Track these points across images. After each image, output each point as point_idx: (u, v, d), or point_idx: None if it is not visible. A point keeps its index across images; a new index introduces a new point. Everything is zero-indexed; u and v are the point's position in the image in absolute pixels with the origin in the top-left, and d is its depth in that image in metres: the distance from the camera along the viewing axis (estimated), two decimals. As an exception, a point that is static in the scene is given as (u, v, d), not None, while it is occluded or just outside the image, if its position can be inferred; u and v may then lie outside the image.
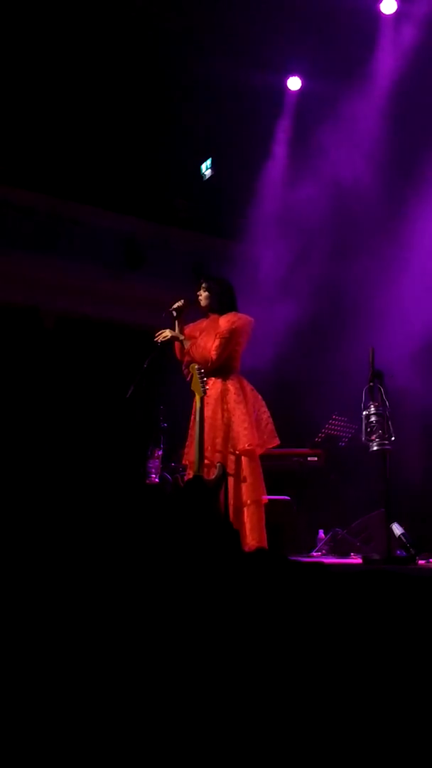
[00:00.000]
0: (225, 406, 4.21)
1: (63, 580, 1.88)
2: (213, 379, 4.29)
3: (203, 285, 4.48)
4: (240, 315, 4.37)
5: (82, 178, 8.50)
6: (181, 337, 4.41)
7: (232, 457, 4.13)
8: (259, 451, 4.27)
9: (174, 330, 4.46)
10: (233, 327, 4.28)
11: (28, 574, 1.92)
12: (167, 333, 4.42)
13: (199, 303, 4.48)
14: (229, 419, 4.18)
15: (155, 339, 4.43)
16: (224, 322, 4.32)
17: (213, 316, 4.42)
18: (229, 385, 4.27)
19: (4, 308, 8.17)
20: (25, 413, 7.79)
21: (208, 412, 4.17)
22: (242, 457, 4.15)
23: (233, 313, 4.38)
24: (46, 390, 8.11)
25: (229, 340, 4.26)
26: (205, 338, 4.36)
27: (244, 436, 4.14)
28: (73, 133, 7.95)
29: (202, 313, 4.53)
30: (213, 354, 4.25)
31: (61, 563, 2.00)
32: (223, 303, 4.43)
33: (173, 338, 4.42)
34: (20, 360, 8.02)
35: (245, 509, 4.09)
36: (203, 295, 4.45)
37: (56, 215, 8.59)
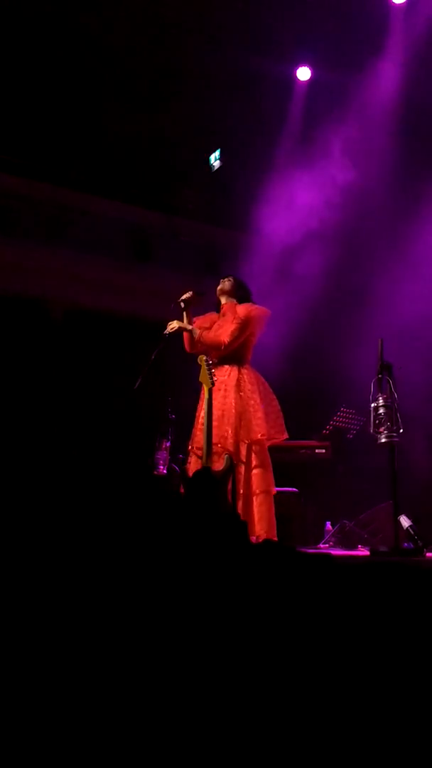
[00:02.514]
0: (240, 394, 4.24)
1: (67, 572, 1.88)
2: (228, 367, 4.34)
3: (228, 276, 4.60)
4: (257, 306, 4.45)
5: (90, 168, 8.48)
6: (189, 327, 4.43)
7: (244, 446, 4.16)
8: (268, 443, 4.28)
9: (182, 321, 4.48)
10: (251, 314, 4.36)
11: (32, 566, 1.92)
12: (175, 324, 4.44)
13: (218, 291, 4.57)
14: (244, 408, 4.21)
15: (164, 333, 4.46)
16: (242, 309, 4.40)
17: (230, 304, 4.49)
18: (244, 375, 4.32)
19: (11, 300, 8.18)
20: (33, 405, 7.81)
21: (219, 400, 4.20)
22: (253, 447, 4.17)
23: (251, 303, 4.46)
24: (54, 381, 8.12)
25: (246, 326, 4.32)
26: (222, 324, 4.40)
27: (257, 426, 4.17)
28: (81, 123, 7.92)
29: (216, 304, 4.60)
30: (227, 338, 4.29)
31: (66, 555, 2.00)
32: (244, 293, 4.52)
33: (181, 329, 4.44)
34: (28, 352, 8.03)
35: (254, 499, 4.12)
36: (227, 283, 4.55)
37: (64, 206, 8.57)
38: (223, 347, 4.31)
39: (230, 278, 4.64)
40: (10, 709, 1.40)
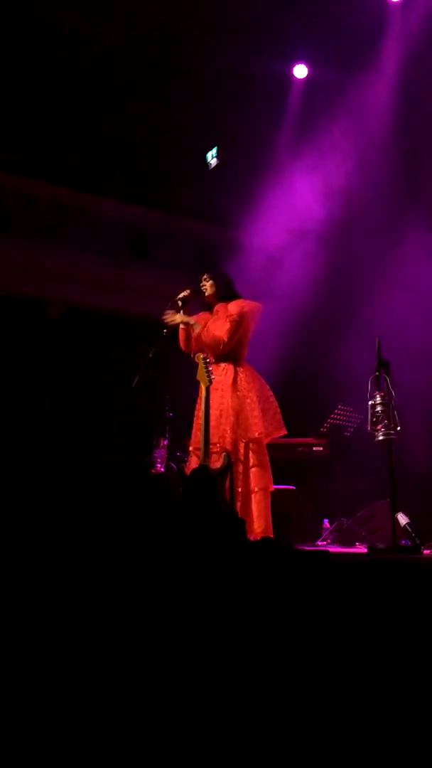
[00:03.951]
0: (237, 393, 4.23)
1: (66, 568, 1.89)
2: (224, 365, 4.31)
3: (206, 275, 4.51)
4: (248, 301, 4.41)
5: (87, 167, 8.48)
6: (192, 322, 4.40)
7: (241, 444, 4.15)
8: (266, 440, 4.28)
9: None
10: (243, 311, 4.32)
11: (32, 563, 1.92)
12: (178, 318, 4.41)
13: (203, 294, 4.49)
14: (241, 406, 4.20)
15: (163, 318, 4.42)
16: (234, 306, 4.35)
17: (220, 304, 4.44)
18: (240, 372, 4.30)
19: (9, 299, 8.17)
20: (31, 403, 7.80)
21: (217, 399, 4.18)
22: (251, 445, 4.17)
23: (242, 299, 4.42)
24: (51, 380, 8.12)
25: (240, 323, 4.29)
26: (216, 323, 4.36)
27: (254, 424, 4.16)
28: (78, 122, 7.92)
29: (205, 304, 4.55)
30: (225, 336, 4.26)
31: (65, 551, 2.00)
32: (229, 290, 4.47)
33: (183, 322, 4.41)
34: (25, 350, 8.03)
35: (252, 496, 4.12)
36: (208, 284, 4.47)
37: (61, 205, 8.57)
38: (222, 345, 4.29)
39: (210, 278, 4.50)
40: (11, 709, 1.40)
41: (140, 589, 1.78)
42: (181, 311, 4.47)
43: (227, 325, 4.29)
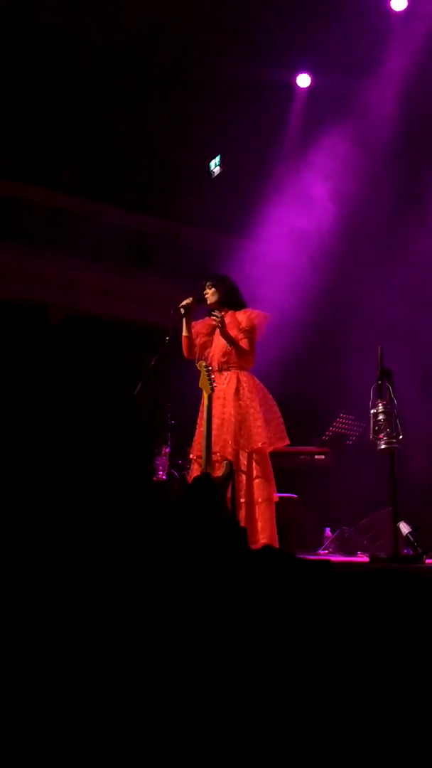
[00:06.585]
0: (239, 403, 4.22)
1: (68, 577, 1.88)
2: (227, 373, 4.31)
3: (209, 282, 4.50)
4: (258, 311, 4.40)
5: (90, 174, 8.51)
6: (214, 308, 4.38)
7: (244, 455, 4.14)
8: (269, 450, 4.27)
9: (182, 328, 4.45)
10: (253, 324, 4.31)
11: (32, 570, 1.92)
12: (189, 300, 4.41)
13: (206, 301, 4.49)
14: (244, 416, 4.19)
15: (179, 306, 4.41)
16: (245, 319, 4.34)
17: (228, 313, 4.42)
18: (243, 382, 4.29)
19: (12, 305, 8.19)
20: (33, 410, 7.80)
21: (219, 408, 4.18)
22: (254, 455, 4.16)
23: (250, 309, 4.41)
24: (53, 387, 8.12)
25: (254, 335, 4.30)
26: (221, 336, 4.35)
27: (257, 434, 4.15)
28: (82, 129, 7.95)
29: (208, 311, 4.53)
30: (250, 357, 4.30)
31: (67, 560, 2.00)
32: (233, 298, 4.45)
33: (196, 302, 4.41)
34: (28, 357, 8.04)
35: (256, 507, 4.11)
36: (210, 292, 4.47)
37: (64, 212, 8.59)
38: (249, 364, 4.35)
39: (212, 286, 4.50)
40: (13, 711, 1.40)
41: (141, 596, 1.78)
42: (184, 319, 4.46)
43: (245, 339, 4.30)
